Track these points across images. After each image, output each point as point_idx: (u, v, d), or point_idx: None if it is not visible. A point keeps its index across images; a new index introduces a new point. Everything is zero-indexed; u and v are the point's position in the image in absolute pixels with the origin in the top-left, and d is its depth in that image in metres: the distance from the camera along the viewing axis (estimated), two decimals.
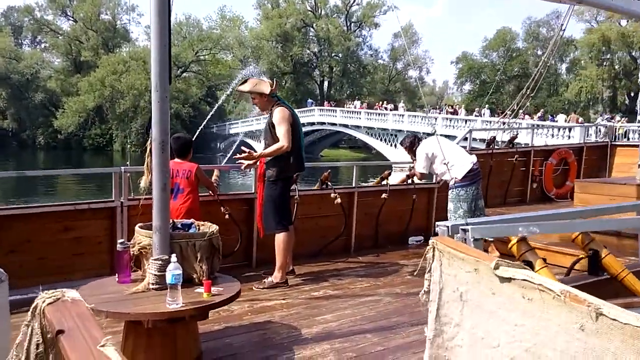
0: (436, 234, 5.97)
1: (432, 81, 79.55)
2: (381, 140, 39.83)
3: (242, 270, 5.08)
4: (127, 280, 3.20)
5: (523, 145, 8.17)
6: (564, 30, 6.64)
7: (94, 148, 49.48)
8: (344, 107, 45.81)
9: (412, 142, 5.73)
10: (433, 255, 1.55)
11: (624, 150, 8.67)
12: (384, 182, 6.37)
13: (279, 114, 4.51)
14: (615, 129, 9.11)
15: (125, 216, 4.59)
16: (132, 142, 45.12)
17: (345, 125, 43.31)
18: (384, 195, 6.15)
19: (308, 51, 60.36)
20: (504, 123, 8.66)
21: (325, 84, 63.03)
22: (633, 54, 50.44)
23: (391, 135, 38.65)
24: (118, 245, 3.22)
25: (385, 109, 40.93)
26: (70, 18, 57.32)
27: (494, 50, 57.86)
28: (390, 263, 5.56)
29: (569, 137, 22.35)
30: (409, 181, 6.56)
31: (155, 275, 3.03)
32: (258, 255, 5.32)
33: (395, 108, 41.50)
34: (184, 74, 53.73)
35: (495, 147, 7.50)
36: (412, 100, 58.93)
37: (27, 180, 23.07)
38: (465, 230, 1.63)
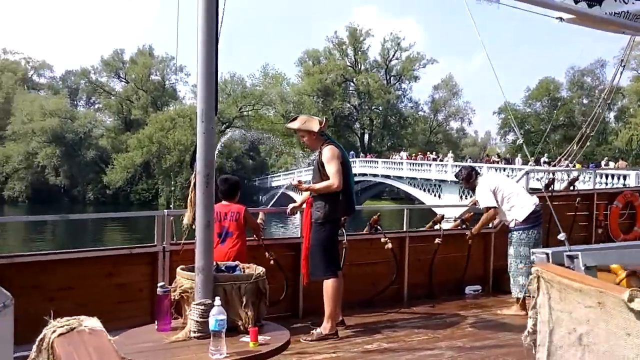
0: (495, 283, 5.56)
1: (474, 132, 78.69)
2: (424, 190, 39.19)
3: (288, 321, 4.72)
4: (167, 328, 2.95)
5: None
6: (624, 65, 6.27)
7: (141, 202, 50.68)
8: (388, 158, 45.74)
9: (469, 174, 5.44)
10: (538, 286, 1.24)
11: None
12: (437, 227, 6.00)
13: (329, 152, 4.31)
14: None
15: (167, 261, 4.41)
16: (176, 196, 46.03)
17: (387, 176, 42.96)
18: (437, 241, 5.77)
19: (348, 105, 61.12)
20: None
21: (366, 136, 63.31)
22: None
23: (434, 185, 38.00)
24: (158, 289, 2.99)
25: (434, 159, 40.55)
26: (123, 79, 60.38)
27: (537, 99, 57.05)
28: (447, 314, 5.11)
29: (624, 185, 21.25)
30: (463, 226, 6.18)
31: (197, 322, 2.77)
32: (305, 305, 5.00)
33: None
34: (228, 130, 55.16)
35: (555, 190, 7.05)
36: (454, 151, 58.32)
37: (74, 230, 23.69)
38: (572, 258, 1.31)
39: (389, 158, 47.27)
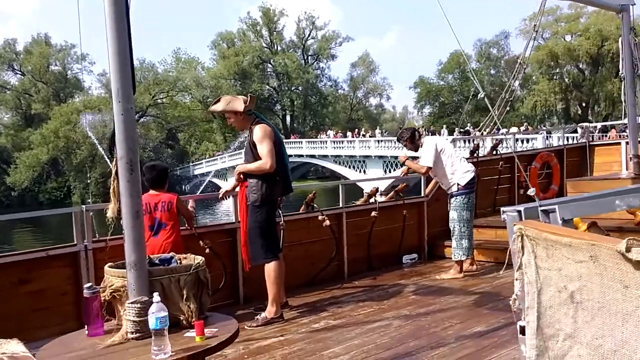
0: (430, 251, 5.66)
1: (392, 107, 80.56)
2: (349, 167, 39.74)
3: (230, 308, 4.54)
4: (100, 332, 2.66)
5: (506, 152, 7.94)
6: (537, 30, 6.50)
7: (51, 202, 47.40)
8: (311, 138, 45.92)
9: (413, 134, 5.43)
10: (522, 246, 1.14)
11: (602, 149, 8.59)
12: (372, 200, 5.98)
13: (260, 132, 4.10)
14: (590, 129, 9.00)
15: (91, 261, 4.04)
16: (92, 192, 43.62)
17: (312, 156, 43.14)
18: (373, 214, 5.75)
19: (267, 87, 60.36)
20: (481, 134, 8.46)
21: (288, 117, 63.00)
22: (580, 66, 52.37)
23: (358, 161, 38.62)
24: (85, 291, 2.68)
25: (371, 136, 41.14)
26: (18, 72, 55.78)
27: (449, 72, 59.17)
28: (389, 285, 5.13)
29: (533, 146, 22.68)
30: (397, 197, 6.22)
31: (134, 322, 2.51)
32: (245, 291, 4.82)
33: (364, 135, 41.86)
34: (142, 119, 52.73)
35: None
36: (375, 127, 59.42)
37: None
38: (547, 212, 1.24)
39: (312, 138, 47.47)
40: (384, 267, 5.81)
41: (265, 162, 4.03)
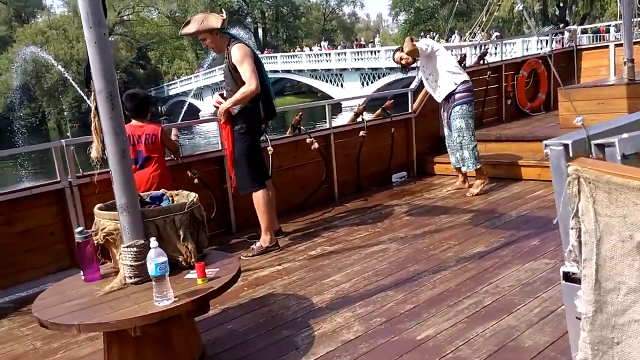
0: (419, 168, 5.56)
1: (366, 16, 78.03)
2: (326, 81, 38.97)
3: (222, 238, 4.51)
4: (97, 277, 2.58)
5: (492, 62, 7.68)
6: None
7: (27, 129, 46.08)
8: (285, 52, 44.32)
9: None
10: (579, 190, 1.02)
11: (590, 53, 8.36)
12: (359, 119, 5.81)
13: (239, 51, 3.81)
14: (576, 31, 8.69)
15: (77, 198, 3.89)
16: (67, 117, 42.34)
17: (288, 71, 42.05)
18: (362, 133, 5.60)
19: None
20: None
21: (260, 31, 60.59)
22: None
23: (335, 75, 37.82)
24: (76, 236, 2.56)
25: (362, 46, 39.56)
26: None
27: None
28: (381, 206, 5.09)
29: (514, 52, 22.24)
30: (384, 114, 6.05)
31: (131, 266, 2.42)
32: (237, 219, 4.75)
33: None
34: (110, 38, 50.24)
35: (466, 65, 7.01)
36: (349, 38, 57.65)
37: None
38: (603, 146, 1.10)
39: (286, 51, 46.00)
40: (374, 187, 5.76)
41: (249, 84, 3.77)
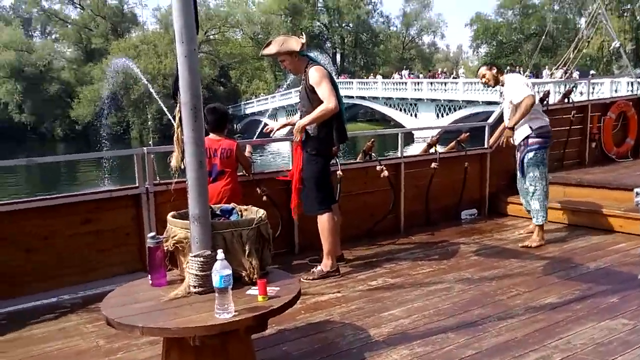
0: (491, 206, 5.30)
1: (446, 46, 77.36)
2: (400, 110, 38.85)
3: (284, 258, 4.52)
4: (163, 282, 2.64)
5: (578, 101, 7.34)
6: None
7: (112, 137, 49.16)
8: (361, 78, 44.68)
9: (492, 64, 4.87)
10: None
11: None
12: (432, 151, 5.72)
13: (317, 73, 3.87)
14: None
15: (152, 204, 4.05)
16: (149, 128, 44.73)
17: (363, 97, 42.34)
18: (433, 165, 5.49)
19: (318, 23, 58.93)
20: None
21: (338, 56, 61.68)
22: None
23: (410, 104, 37.65)
24: (148, 240, 2.65)
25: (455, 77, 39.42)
26: (78, 6, 56.69)
27: (509, 8, 55.59)
28: (448, 242, 4.94)
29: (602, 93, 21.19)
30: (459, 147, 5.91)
31: (196, 275, 2.46)
32: (300, 240, 4.76)
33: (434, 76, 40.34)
34: None
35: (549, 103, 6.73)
36: (427, 67, 57.37)
37: (48, 173, 22.86)
38: None
39: (362, 78, 46.41)
40: (442, 222, 5.61)
41: (328, 103, 3.80)
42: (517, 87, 4.58)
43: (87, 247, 3.89)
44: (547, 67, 35.64)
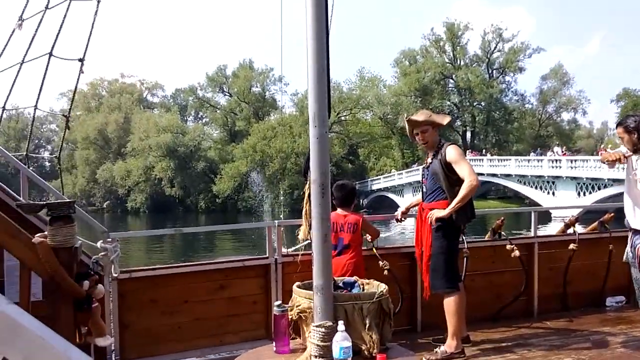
0: None
1: (589, 123, 72.87)
2: (535, 188, 36.79)
3: (406, 335, 4.42)
4: (286, 350, 2.76)
5: None
6: None
7: (246, 210, 52.75)
8: (492, 155, 43.51)
9: (636, 128, 3.87)
10: None
11: None
12: (570, 231, 5.34)
13: (455, 151, 3.94)
14: None
15: (279, 274, 4.26)
16: (280, 202, 47.24)
17: (494, 175, 40.95)
18: (572, 246, 5.11)
19: (448, 102, 59.27)
20: None
21: (468, 134, 60.96)
22: None
23: (547, 182, 35.54)
24: (275, 309, 2.81)
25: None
26: (227, 93, 63.61)
27: None
28: (589, 331, 4.48)
29: None
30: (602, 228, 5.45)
31: (318, 345, 2.54)
32: (423, 318, 4.63)
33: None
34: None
35: None
36: (567, 145, 54.23)
37: (189, 238, 25.02)
38: None
39: (493, 155, 45.09)
40: (582, 308, 5.11)
41: (470, 179, 3.84)
42: None
43: (221, 312, 4.16)
44: None
